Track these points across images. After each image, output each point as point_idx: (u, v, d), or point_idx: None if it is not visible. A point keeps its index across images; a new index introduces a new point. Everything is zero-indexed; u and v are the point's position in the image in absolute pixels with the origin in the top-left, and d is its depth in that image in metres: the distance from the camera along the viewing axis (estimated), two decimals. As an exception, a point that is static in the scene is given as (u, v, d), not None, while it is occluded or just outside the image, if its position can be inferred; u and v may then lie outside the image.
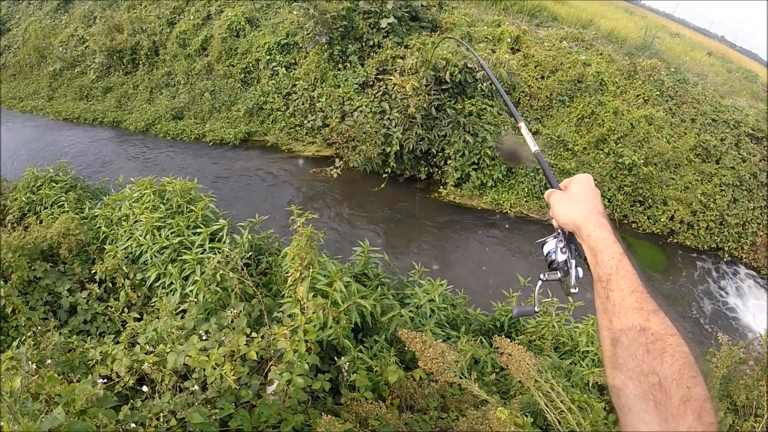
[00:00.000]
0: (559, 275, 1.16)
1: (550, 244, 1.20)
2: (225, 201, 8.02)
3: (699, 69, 13.26)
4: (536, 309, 1.29)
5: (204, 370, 2.59)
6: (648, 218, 10.03)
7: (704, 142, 10.41)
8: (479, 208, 9.34)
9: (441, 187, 9.51)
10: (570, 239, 1.16)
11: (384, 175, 9.44)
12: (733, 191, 10.15)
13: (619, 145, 9.88)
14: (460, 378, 2.88)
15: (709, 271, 9.50)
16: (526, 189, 9.46)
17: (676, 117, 10.72)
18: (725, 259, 9.91)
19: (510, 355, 2.92)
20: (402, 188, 9.61)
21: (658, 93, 10.77)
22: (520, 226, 9.06)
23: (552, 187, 1.24)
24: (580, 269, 1.13)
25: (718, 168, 10.32)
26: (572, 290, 1.14)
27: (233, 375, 2.52)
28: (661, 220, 9.93)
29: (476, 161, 9.26)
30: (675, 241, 9.95)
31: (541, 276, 1.19)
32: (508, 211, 9.26)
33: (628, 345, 0.82)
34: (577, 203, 1.09)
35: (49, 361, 2.79)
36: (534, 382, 2.94)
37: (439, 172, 9.65)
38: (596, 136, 9.77)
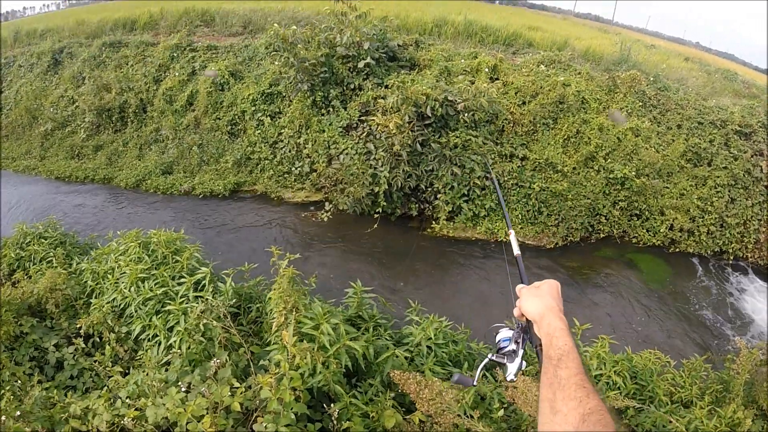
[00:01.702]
0: (505, 360, 1.31)
1: (503, 333, 1.36)
2: (216, 251, 7.98)
3: (678, 75, 13.38)
4: (474, 383, 1.43)
5: (187, 424, 2.52)
6: (647, 231, 9.91)
7: (693, 146, 10.40)
8: (474, 239, 9.24)
9: (434, 222, 9.44)
10: (525, 332, 1.30)
11: (375, 216, 9.39)
12: (729, 191, 10.08)
13: (609, 160, 9.84)
14: (462, 417, 2.77)
15: (716, 276, 9.34)
16: (520, 216, 9.38)
17: (662, 125, 10.74)
18: (730, 262, 9.74)
19: (515, 388, 2.83)
20: (394, 227, 9.56)
21: (641, 104, 10.83)
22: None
23: (523, 283, 1.46)
24: (524, 362, 1.30)
25: (711, 170, 10.27)
26: (511, 377, 1.29)
27: (212, 428, 2.47)
28: (661, 230, 9.81)
29: (466, 192, 9.22)
30: (677, 250, 9.81)
31: (490, 355, 1.35)
32: (504, 240, 9.17)
33: (566, 413, 0.93)
34: (543, 298, 1.26)
35: (18, 413, 2.74)
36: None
37: (430, 207, 9.59)
38: (584, 154, 9.74)
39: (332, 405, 2.82)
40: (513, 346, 1.31)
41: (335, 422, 2.72)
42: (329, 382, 3.04)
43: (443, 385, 2.79)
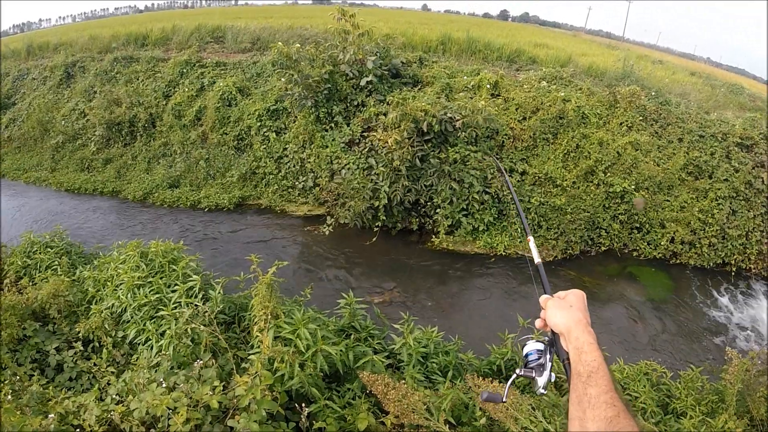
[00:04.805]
0: (533, 374, 1.29)
1: (530, 346, 1.34)
2: (219, 263, 8.15)
3: (681, 89, 13.44)
4: (504, 399, 1.41)
5: (168, 420, 2.64)
6: (648, 244, 9.93)
7: (694, 160, 10.41)
8: (473, 252, 9.35)
9: (433, 236, 9.56)
10: (552, 344, 1.27)
11: (375, 229, 9.55)
12: (730, 203, 10.05)
13: (608, 174, 9.91)
14: (429, 420, 2.86)
15: (718, 288, 9.28)
16: (519, 229, 9.45)
17: (662, 139, 10.78)
18: (733, 273, 9.69)
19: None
20: (395, 241, 9.71)
21: (641, 118, 10.89)
22: (517, 266, 9.01)
23: (546, 293, 1.40)
24: (553, 375, 1.27)
25: (712, 183, 10.26)
26: (541, 391, 1.27)
27: (183, 420, 2.58)
28: (662, 243, 9.82)
29: (465, 207, 9.34)
30: (679, 262, 9.80)
31: (518, 371, 1.32)
32: (503, 253, 9.26)
33: None
34: (570, 310, 1.23)
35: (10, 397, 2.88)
36: (514, 420, 2.88)
37: (430, 221, 9.73)
38: (584, 168, 9.83)
39: (307, 406, 2.92)
40: (539, 361, 1.30)
41: (305, 420, 2.83)
42: (305, 384, 3.14)
43: (405, 388, 2.89)
